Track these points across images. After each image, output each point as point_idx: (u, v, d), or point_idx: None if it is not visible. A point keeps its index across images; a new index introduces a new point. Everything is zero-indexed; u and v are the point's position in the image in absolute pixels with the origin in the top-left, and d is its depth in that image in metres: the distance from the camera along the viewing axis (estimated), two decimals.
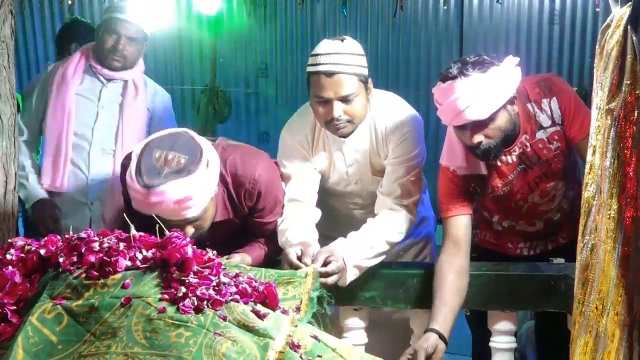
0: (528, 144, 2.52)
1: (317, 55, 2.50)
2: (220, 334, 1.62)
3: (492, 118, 2.35)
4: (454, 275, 2.43)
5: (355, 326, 2.62)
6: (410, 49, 6.15)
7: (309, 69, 2.53)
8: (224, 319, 1.66)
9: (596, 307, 1.84)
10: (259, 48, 6.41)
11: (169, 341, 1.59)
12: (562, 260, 2.62)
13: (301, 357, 1.66)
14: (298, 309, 1.98)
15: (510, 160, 2.54)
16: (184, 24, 6.16)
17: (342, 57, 2.48)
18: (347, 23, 6.13)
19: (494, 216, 2.82)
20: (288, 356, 1.65)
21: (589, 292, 1.86)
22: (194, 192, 2.14)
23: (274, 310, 1.78)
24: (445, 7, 5.94)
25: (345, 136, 2.61)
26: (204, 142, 2.26)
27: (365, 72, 2.54)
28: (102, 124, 3.33)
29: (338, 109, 2.50)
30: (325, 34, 6.09)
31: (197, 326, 1.62)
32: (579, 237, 1.90)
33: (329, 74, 2.47)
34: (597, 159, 1.84)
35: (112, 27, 3.29)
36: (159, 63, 6.22)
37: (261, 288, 1.80)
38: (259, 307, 1.74)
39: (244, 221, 2.55)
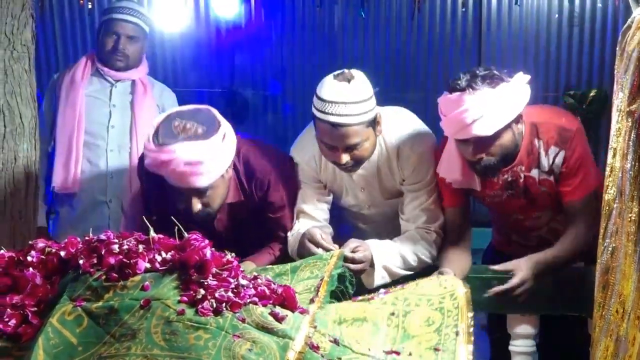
0: (522, 175, 2.49)
1: (322, 100, 2.35)
2: (239, 336, 1.62)
3: (496, 135, 2.32)
4: (457, 249, 2.51)
5: None
6: (428, 51, 6.12)
7: (314, 111, 2.39)
8: (243, 321, 1.66)
9: (617, 311, 1.82)
10: (277, 50, 6.40)
11: (187, 343, 1.60)
12: (581, 264, 2.60)
13: (322, 356, 1.67)
14: (318, 289, 1.99)
15: (499, 182, 2.52)
16: (201, 27, 6.18)
17: (348, 107, 2.33)
18: (365, 25, 6.12)
19: (497, 223, 2.88)
20: (308, 356, 1.65)
21: (610, 296, 1.85)
22: (205, 157, 2.20)
23: (292, 312, 1.77)
24: (463, 10, 5.91)
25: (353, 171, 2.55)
26: (224, 121, 2.34)
27: (373, 114, 2.40)
28: (116, 122, 3.38)
29: (345, 157, 2.40)
30: (343, 36, 6.08)
31: (216, 328, 1.62)
32: (600, 240, 1.89)
33: (335, 125, 2.34)
34: (618, 162, 1.82)
35: (110, 28, 3.34)
36: (177, 66, 6.24)
37: (279, 290, 1.80)
38: (277, 309, 1.74)
39: (257, 216, 2.54)
